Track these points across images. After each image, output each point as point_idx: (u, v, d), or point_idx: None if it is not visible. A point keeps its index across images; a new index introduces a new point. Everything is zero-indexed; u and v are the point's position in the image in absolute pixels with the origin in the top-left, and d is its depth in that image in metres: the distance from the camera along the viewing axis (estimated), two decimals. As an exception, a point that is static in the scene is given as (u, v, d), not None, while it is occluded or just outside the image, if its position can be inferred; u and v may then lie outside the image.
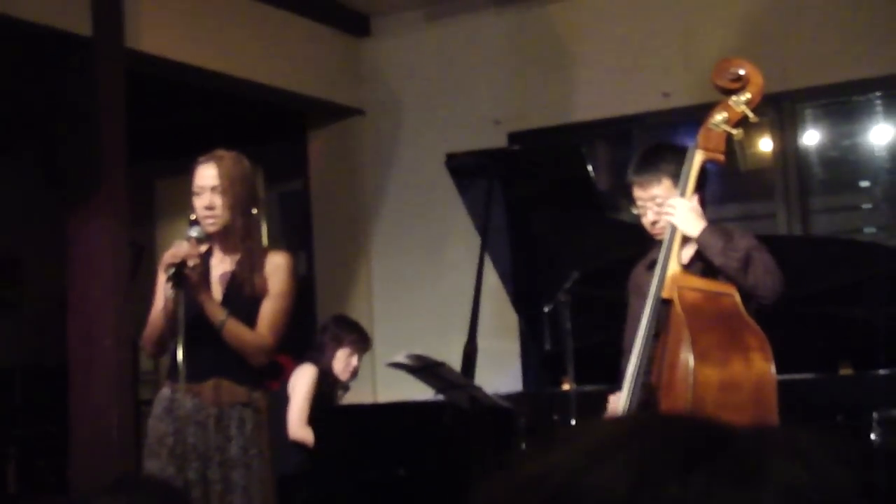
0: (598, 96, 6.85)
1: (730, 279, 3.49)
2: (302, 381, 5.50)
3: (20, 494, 7.15)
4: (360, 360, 5.70)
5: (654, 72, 6.66)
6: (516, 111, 7.05)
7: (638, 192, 3.72)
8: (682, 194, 3.59)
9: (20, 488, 7.21)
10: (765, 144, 6.62)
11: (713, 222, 3.63)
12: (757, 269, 3.47)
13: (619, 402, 3.56)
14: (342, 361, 5.61)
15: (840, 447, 0.82)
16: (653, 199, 3.67)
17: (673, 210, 3.57)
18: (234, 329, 3.82)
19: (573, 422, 4.22)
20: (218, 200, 3.85)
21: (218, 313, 3.80)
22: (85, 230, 5.63)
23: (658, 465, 0.77)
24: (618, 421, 0.85)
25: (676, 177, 3.65)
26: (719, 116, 3.61)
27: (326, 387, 5.62)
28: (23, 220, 8.21)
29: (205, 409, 3.83)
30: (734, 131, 3.61)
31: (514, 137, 6.98)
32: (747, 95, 3.60)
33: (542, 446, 0.84)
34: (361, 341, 5.71)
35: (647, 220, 3.72)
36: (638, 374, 3.51)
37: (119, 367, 5.54)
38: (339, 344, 5.59)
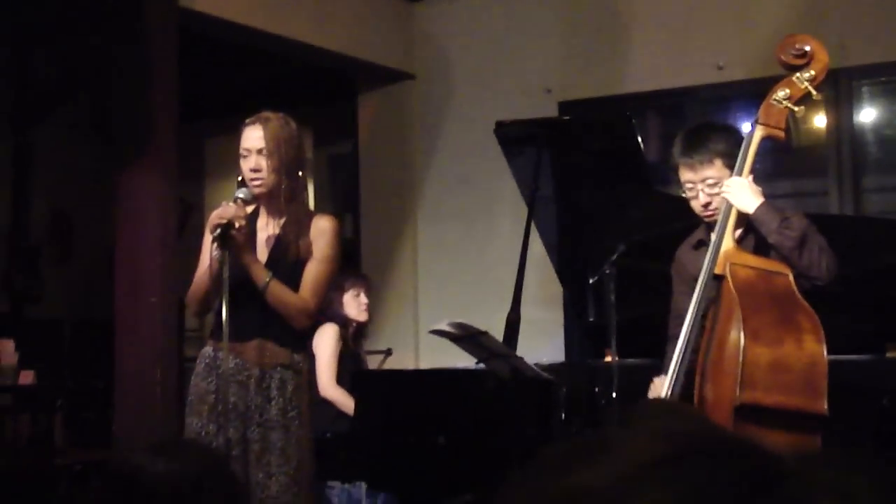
0: (650, 68, 6.78)
1: (783, 258, 3.45)
2: (325, 339, 5.55)
3: (66, 447, 7.24)
4: (367, 295, 5.76)
5: (709, 44, 6.58)
6: (568, 80, 7.00)
7: (688, 175, 3.65)
8: (741, 171, 3.54)
9: (66, 440, 7.30)
10: (819, 121, 6.52)
11: (768, 198, 3.58)
12: (812, 250, 3.42)
13: (662, 386, 3.54)
14: (352, 304, 5.69)
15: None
16: (704, 180, 3.61)
17: (729, 189, 3.52)
18: (278, 291, 3.83)
19: (614, 395, 4.20)
20: (264, 163, 3.85)
21: (262, 275, 3.82)
22: (134, 186, 5.66)
23: None
24: (660, 438, 0.80)
25: (727, 156, 3.59)
26: (782, 92, 3.55)
27: (351, 342, 5.68)
28: (74, 174, 8.28)
29: (247, 369, 3.86)
30: (796, 108, 3.56)
31: (564, 106, 6.94)
32: (811, 72, 3.55)
33: (578, 452, 0.80)
34: (359, 278, 5.82)
35: (697, 203, 3.65)
36: (686, 350, 3.48)
37: (164, 324, 5.59)
38: (341, 291, 5.65)
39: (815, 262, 3.42)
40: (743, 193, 3.49)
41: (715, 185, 3.59)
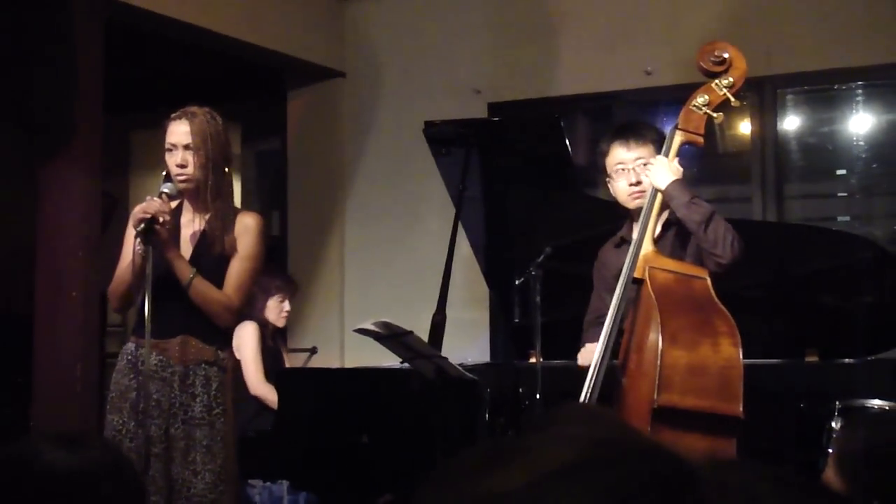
0: (580, 71, 6.82)
1: (691, 234, 3.52)
2: (246, 337, 5.54)
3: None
4: (290, 303, 5.82)
5: (638, 49, 6.63)
6: (497, 82, 7.02)
7: (621, 154, 3.72)
8: None
9: (-18, 435, 7.18)
10: (744, 127, 6.61)
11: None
12: (718, 228, 3.50)
13: (591, 353, 3.59)
14: (274, 309, 5.75)
15: (804, 496, 0.79)
16: (636, 160, 3.69)
17: (651, 166, 3.60)
18: (201, 288, 3.80)
19: (538, 396, 4.22)
20: (190, 158, 3.83)
21: (186, 271, 3.78)
22: (57, 179, 5.57)
23: None
24: (573, 443, 0.80)
25: (659, 143, 3.67)
26: (701, 99, 3.61)
27: (269, 339, 5.69)
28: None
29: (170, 366, 3.82)
30: (715, 114, 3.62)
31: (493, 108, 6.95)
32: (730, 79, 3.61)
33: (492, 457, 0.80)
34: (287, 285, 5.87)
35: (625, 183, 3.71)
36: (605, 353, 3.51)
37: (85, 320, 5.51)
38: (267, 294, 5.70)
39: (720, 238, 3.48)
40: (661, 171, 3.57)
41: (646, 165, 3.66)
